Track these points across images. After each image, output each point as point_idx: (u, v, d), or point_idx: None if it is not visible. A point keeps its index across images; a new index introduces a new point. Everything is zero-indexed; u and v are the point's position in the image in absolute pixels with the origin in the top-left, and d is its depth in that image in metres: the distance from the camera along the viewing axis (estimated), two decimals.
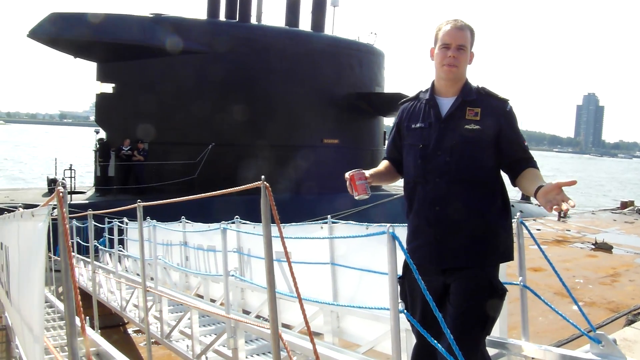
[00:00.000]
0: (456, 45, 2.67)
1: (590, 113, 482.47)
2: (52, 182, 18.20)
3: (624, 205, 21.64)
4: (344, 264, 4.49)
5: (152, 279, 9.19)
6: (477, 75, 2.88)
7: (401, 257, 2.63)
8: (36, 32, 16.27)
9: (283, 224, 5.67)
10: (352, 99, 20.39)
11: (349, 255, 4.52)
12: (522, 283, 3.25)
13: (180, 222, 7.89)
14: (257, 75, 18.55)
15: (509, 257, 2.82)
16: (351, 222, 4.59)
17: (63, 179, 17.87)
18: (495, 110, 2.72)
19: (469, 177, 2.67)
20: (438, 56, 2.74)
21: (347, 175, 2.77)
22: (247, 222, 6.11)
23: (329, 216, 4.77)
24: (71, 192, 17.05)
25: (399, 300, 2.54)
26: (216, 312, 4.54)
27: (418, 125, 2.82)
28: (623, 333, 5.72)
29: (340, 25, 54.72)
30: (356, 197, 2.76)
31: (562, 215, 16.46)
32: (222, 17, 19.52)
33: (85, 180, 21.72)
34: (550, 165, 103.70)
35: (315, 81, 19.50)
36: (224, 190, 3.04)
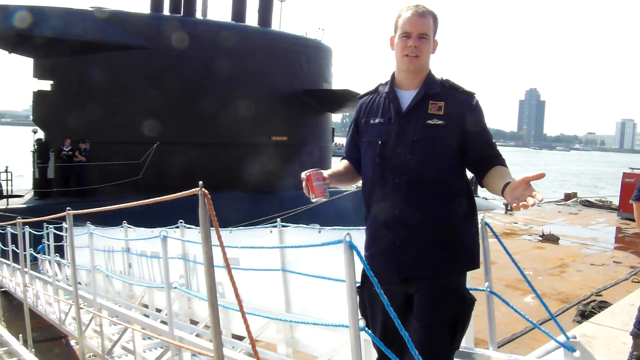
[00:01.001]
0: (417, 34, 2.44)
1: (532, 107, 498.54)
2: None
3: (568, 197, 22.21)
4: (295, 271, 4.23)
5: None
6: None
7: (360, 266, 2.43)
8: None
9: (230, 228, 5.47)
10: (300, 96, 20.15)
11: (300, 261, 4.27)
12: (488, 289, 3.07)
13: (122, 227, 7.47)
14: (202, 72, 18.10)
15: (476, 264, 2.59)
16: (302, 225, 4.34)
17: None
18: (460, 104, 2.49)
19: (432, 176, 2.44)
20: (398, 46, 2.51)
21: (303, 175, 2.50)
22: (192, 226, 5.77)
23: (278, 219, 4.49)
24: (8, 196, 16.23)
25: (359, 317, 2.30)
26: (158, 329, 4.22)
27: (377, 120, 2.58)
28: (582, 329, 5.70)
29: (287, 20, 54.42)
30: (313, 200, 2.50)
31: (509, 208, 16.72)
32: (166, 11, 18.94)
33: (23, 183, 20.72)
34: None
35: (262, 77, 19.18)
36: (159, 198, 2.76)
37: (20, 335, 6.30)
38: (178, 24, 18.37)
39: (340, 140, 58.57)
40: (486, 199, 24.41)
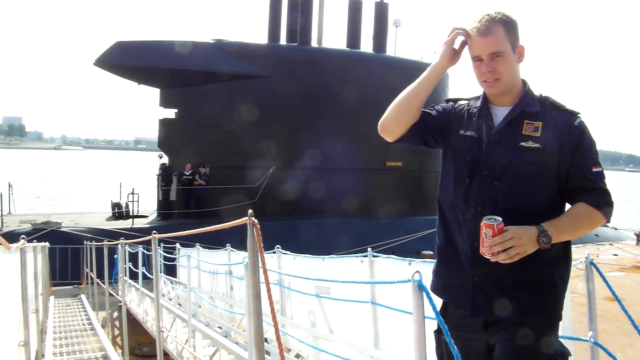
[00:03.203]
0: (489, 56, 2.10)
1: None
2: (115, 206, 18.55)
3: None
4: (385, 304, 3.92)
5: (200, 306, 8.95)
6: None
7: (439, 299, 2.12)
8: (102, 60, 16.73)
9: (323, 256, 5.30)
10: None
11: (391, 293, 3.97)
12: (592, 339, 2.61)
13: (225, 250, 7.55)
14: (319, 99, 18.40)
15: (560, 317, 2.17)
16: (392, 256, 4.05)
17: (126, 203, 18.24)
18: (560, 125, 2.11)
19: (521, 207, 2.07)
20: (474, 71, 2.19)
21: (488, 222, 1.97)
22: (288, 252, 5.65)
23: (369, 248, 4.24)
24: (134, 216, 17.30)
25: None
26: (240, 356, 4.10)
27: (468, 133, 2.24)
28: None
29: (402, 45, 54.24)
30: (486, 254, 2.00)
31: None
32: (283, 41, 19.48)
33: (149, 204, 22.01)
34: (622, 184, 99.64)
35: (378, 103, 18.98)
36: (214, 227, 2.66)
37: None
38: (295, 53, 18.87)
39: None
40: (616, 228, 22.46)
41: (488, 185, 2.12)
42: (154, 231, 4.49)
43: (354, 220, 17.41)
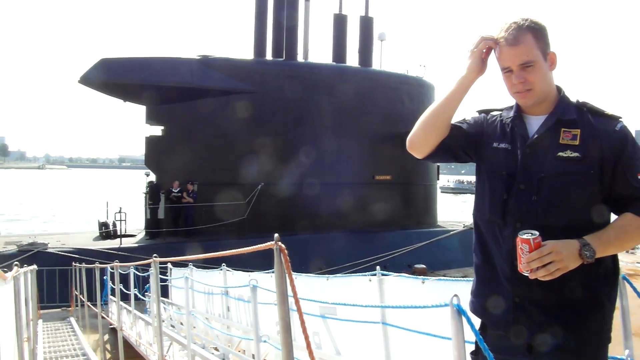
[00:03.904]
0: (519, 67, 2.00)
1: None
2: (102, 226, 18.26)
3: None
4: (397, 324, 3.78)
5: (194, 327, 8.74)
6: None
7: (475, 320, 2.01)
8: (87, 78, 16.51)
9: (327, 275, 5.18)
10: (404, 134, 19.79)
11: (403, 312, 3.84)
12: (629, 358, 2.51)
13: (221, 269, 7.38)
14: (306, 113, 18.35)
15: (609, 339, 2.04)
16: (404, 274, 3.92)
17: (114, 222, 17.96)
18: (600, 131, 1.98)
19: (562, 223, 1.94)
20: (505, 82, 2.08)
21: (524, 236, 1.86)
22: (294, 273, 5.48)
23: (377, 267, 4.11)
24: (121, 236, 17.03)
25: None
26: None
27: (502, 145, 2.12)
28: None
29: (387, 59, 54.37)
30: (525, 272, 1.87)
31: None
32: (269, 56, 19.43)
33: (137, 222, 21.72)
34: None
35: (364, 116, 19.09)
36: (234, 251, 2.55)
37: None
38: (281, 68, 18.83)
39: (445, 178, 57.15)
40: None
41: (526, 200, 2.00)
42: (155, 254, 4.35)
43: (344, 234, 17.32)
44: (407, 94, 20.29)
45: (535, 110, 2.10)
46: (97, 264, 10.41)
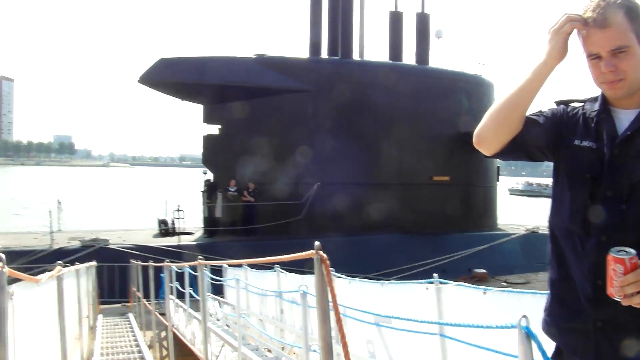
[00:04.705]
0: (609, 52, 1.69)
1: None
2: (161, 223, 18.62)
3: None
4: (456, 337, 3.55)
5: (248, 328, 8.70)
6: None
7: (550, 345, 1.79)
8: (146, 78, 16.89)
9: (382, 281, 4.99)
10: (462, 133, 19.34)
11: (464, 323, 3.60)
12: None
13: (274, 271, 7.30)
14: (362, 112, 18.14)
15: None
16: (463, 283, 3.68)
17: (172, 220, 18.31)
18: None
19: None
20: (591, 70, 1.78)
21: (618, 255, 1.57)
22: (342, 275, 5.31)
23: (435, 275, 3.88)
24: (179, 233, 17.34)
25: None
26: None
27: (585, 143, 1.81)
28: None
29: (445, 57, 52.89)
30: (616, 297, 1.60)
31: None
32: (324, 54, 19.34)
33: (195, 220, 22.10)
34: None
35: (422, 115, 18.74)
36: (275, 258, 2.40)
37: None
38: (336, 66, 18.71)
39: (506, 180, 55.59)
40: None
41: (613, 209, 1.69)
42: (200, 256, 4.28)
43: (401, 236, 17.04)
44: (466, 93, 19.78)
45: (626, 103, 1.79)
46: (150, 262, 10.55)
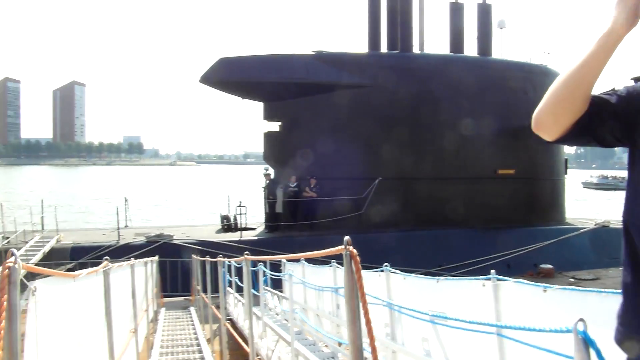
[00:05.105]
0: None
1: None
2: (224, 219, 18.92)
3: None
4: (514, 337, 3.34)
5: (305, 323, 8.68)
6: None
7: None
8: (207, 77, 17.20)
9: (437, 277, 4.85)
10: (527, 126, 18.64)
11: (522, 323, 3.40)
12: None
13: (331, 266, 7.24)
14: (423, 106, 17.87)
15: None
16: (522, 280, 3.49)
17: (235, 215, 18.58)
18: None
19: None
20: None
21: None
22: (397, 271, 5.19)
23: (492, 271, 3.69)
24: (242, 229, 17.59)
25: None
26: None
27: None
28: None
29: (508, 47, 50.89)
30: None
31: None
32: (383, 48, 19.11)
33: (258, 216, 22.41)
34: None
35: (485, 108, 18.20)
36: (305, 254, 2.33)
37: None
38: (396, 60, 18.47)
39: (577, 173, 53.35)
40: None
41: None
42: (246, 252, 4.27)
43: (464, 231, 16.68)
44: (531, 84, 19.07)
45: None
46: (207, 257, 10.73)
